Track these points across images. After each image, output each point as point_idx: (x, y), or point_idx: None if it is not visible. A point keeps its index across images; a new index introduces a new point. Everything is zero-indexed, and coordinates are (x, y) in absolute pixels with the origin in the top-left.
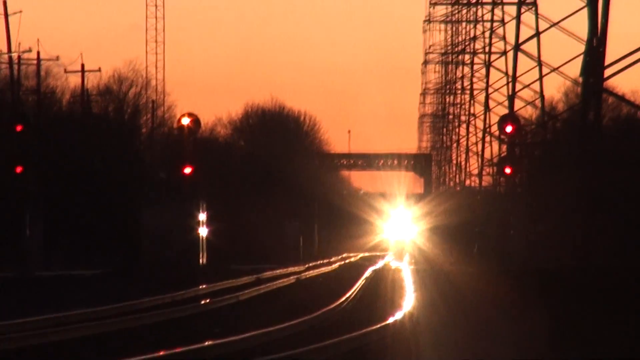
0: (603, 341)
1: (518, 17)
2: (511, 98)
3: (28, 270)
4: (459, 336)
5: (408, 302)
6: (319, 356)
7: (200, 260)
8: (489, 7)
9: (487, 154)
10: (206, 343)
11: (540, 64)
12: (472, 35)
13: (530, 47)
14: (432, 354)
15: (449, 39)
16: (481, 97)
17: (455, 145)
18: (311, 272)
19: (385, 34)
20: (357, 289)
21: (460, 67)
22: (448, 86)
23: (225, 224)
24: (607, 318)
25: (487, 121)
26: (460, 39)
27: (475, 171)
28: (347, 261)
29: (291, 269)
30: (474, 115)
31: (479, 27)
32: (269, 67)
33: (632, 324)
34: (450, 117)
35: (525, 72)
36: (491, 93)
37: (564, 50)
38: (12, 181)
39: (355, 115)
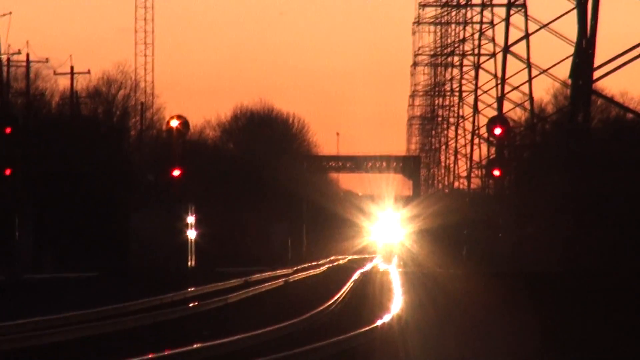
0: (592, 343)
1: (507, 19)
2: (500, 100)
3: (17, 273)
4: (447, 338)
5: (396, 304)
6: (307, 359)
7: (189, 263)
8: (478, 9)
9: (475, 156)
10: (194, 346)
11: (529, 65)
12: (461, 37)
13: (520, 49)
14: (421, 356)
15: (438, 41)
16: (470, 99)
17: (444, 147)
18: (299, 274)
19: (374, 36)
20: (346, 292)
21: (450, 69)
22: (437, 88)
23: (214, 226)
24: (596, 320)
25: (476, 123)
26: (449, 40)
27: (464, 173)
28: (335, 264)
29: (279, 272)
30: (462, 117)
31: (468, 29)
32: (258, 70)
33: (620, 325)
34: (439, 119)
35: (515, 74)
36: (480, 95)
37: (553, 52)
38: (1, 184)
39: (344, 117)
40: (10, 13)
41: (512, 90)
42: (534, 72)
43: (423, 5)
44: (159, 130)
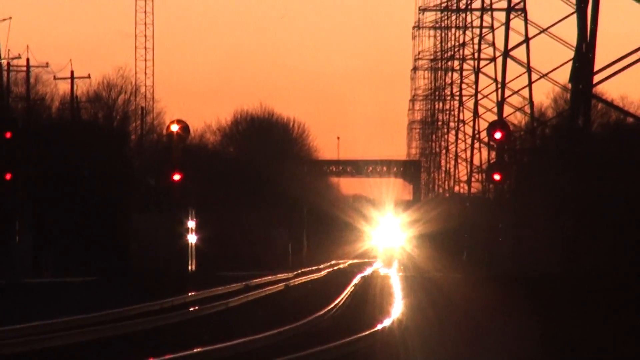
0: (592, 345)
1: (507, 24)
2: (500, 104)
3: (17, 277)
4: (448, 342)
5: (397, 308)
6: None
7: (189, 267)
8: (478, 14)
9: (476, 161)
10: (195, 350)
11: (529, 70)
12: (461, 41)
13: (520, 53)
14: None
15: (438, 45)
16: (470, 104)
17: (444, 151)
18: (300, 279)
19: (375, 40)
20: (346, 296)
21: (450, 74)
22: (437, 92)
23: (214, 230)
24: (596, 322)
25: (476, 127)
26: (449, 45)
27: (464, 177)
28: (335, 268)
29: (280, 276)
30: (463, 121)
31: (468, 33)
32: (258, 74)
33: (621, 328)
34: (440, 123)
35: (515, 79)
36: (480, 99)
37: (553, 57)
38: (2, 188)
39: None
40: (11, 18)
41: (512, 94)
42: (534, 76)
43: (423, 10)
44: (160, 135)
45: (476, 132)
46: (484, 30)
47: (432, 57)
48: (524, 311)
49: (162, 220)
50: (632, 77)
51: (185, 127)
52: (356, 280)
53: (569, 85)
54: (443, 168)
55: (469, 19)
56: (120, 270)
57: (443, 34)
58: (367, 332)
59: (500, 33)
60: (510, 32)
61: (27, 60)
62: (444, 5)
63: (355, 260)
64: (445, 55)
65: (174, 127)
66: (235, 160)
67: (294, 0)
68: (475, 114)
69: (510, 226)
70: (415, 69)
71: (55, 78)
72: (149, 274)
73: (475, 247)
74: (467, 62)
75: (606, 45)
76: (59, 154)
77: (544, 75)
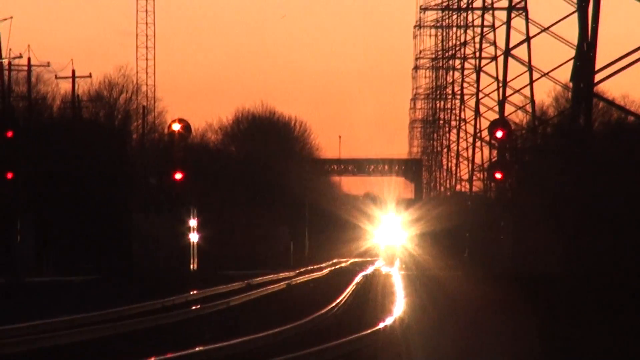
0: (592, 345)
1: (508, 22)
2: (501, 103)
3: (19, 276)
4: (449, 341)
5: (399, 307)
6: None
7: (191, 266)
8: (479, 13)
9: (477, 159)
10: (197, 349)
11: (530, 68)
12: (462, 40)
13: (521, 52)
14: (423, 359)
15: (440, 44)
16: (471, 102)
17: (445, 150)
18: (302, 277)
19: (376, 39)
20: (348, 294)
21: (451, 72)
22: (438, 91)
23: (216, 229)
24: (596, 322)
25: (478, 126)
26: (450, 44)
27: (466, 176)
28: (337, 266)
29: (282, 275)
30: (464, 120)
31: (469, 32)
32: (260, 73)
33: (621, 328)
34: (441, 122)
35: (516, 77)
36: (481, 98)
37: (554, 55)
38: (3, 187)
39: (346, 120)
40: (12, 17)
41: (513, 93)
42: (535, 75)
43: (424, 9)
44: (161, 134)
45: (477, 130)
46: (485, 29)
47: (433, 56)
48: (525, 310)
49: (164, 220)
50: (634, 75)
51: (186, 126)
52: (358, 278)
53: (570, 84)
54: (444, 167)
55: (470, 18)
56: (121, 269)
57: (444, 33)
58: (369, 331)
59: (501, 32)
60: (512, 31)
61: (29, 59)
62: (445, 4)
63: (357, 259)
64: (447, 54)
65: (176, 126)
66: (237, 159)
67: None
68: (477, 113)
69: (512, 225)
70: (416, 67)
71: (56, 77)
72: (150, 272)
73: (476, 246)
74: (468, 61)
75: (607, 44)
76: (60, 153)
77: (545, 74)
